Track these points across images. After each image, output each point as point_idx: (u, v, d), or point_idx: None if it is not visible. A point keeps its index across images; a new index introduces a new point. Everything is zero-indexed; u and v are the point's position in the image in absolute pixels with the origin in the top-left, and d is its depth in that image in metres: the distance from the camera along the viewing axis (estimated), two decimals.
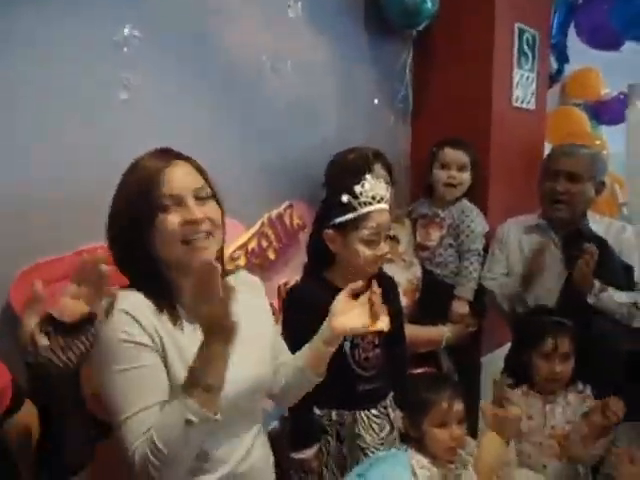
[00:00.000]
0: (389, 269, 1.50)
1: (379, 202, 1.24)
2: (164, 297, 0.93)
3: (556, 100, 3.09)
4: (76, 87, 1.23)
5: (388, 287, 1.40)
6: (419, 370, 1.43)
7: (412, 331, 1.62)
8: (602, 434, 1.37)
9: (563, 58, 2.72)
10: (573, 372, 1.53)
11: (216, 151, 1.42)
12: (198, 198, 0.92)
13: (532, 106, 2.29)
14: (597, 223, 1.87)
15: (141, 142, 0.99)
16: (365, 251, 1.25)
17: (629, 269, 1.77)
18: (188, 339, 0.91)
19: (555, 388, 1.53)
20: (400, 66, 2.17)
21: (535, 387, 1.54)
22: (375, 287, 1.09)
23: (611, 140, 3.49)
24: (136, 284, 0.94)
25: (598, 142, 2.50)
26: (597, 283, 1.69)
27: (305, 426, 1.20)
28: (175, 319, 0.92)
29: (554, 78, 2.68)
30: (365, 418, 1.28)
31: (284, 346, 1.14)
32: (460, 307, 1.82)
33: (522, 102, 2.21)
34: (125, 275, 0.96)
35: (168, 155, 0.94)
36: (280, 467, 1.22)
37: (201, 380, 0.81)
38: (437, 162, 1.91)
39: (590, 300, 1.69)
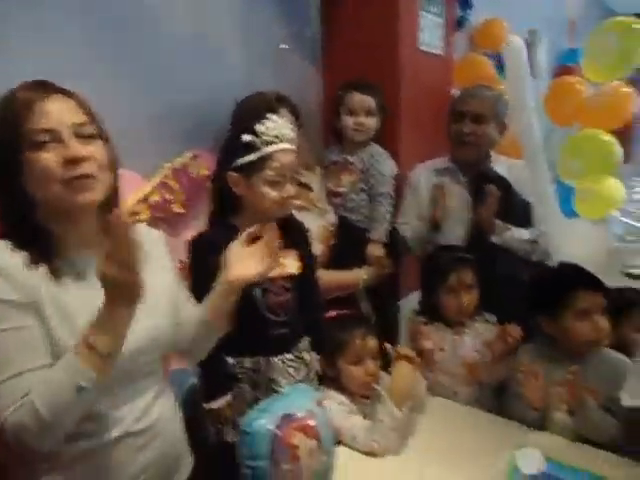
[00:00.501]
0: (303, 217, 1.47)
1: (283, 141, 1.19)
2: (41, 249, 0.84)
3: (463, 48, 3.14)
4: None
5: (298, 232, 1.38)
6: (332, 313, 1.44)
7: (329, 276, 1.62)
8: (504, 357, 1.47)
9: (466, 4, 2.73)
10: (478, 303, 1.60)
11: (104, 93, 1.27)
12: (79, 136, 0.83)
13: (440, 51, 2.30)
14: (500, 164, 1.95)
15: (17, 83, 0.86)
16: (270, 193, 1.20)
17: (528, 206, 1.88)
18: (72, 296, 0.84)
19: (463, 319, 1.60)
20: (308, 7, 2.08)
21: (445, 321, 1.61)
22: (271, 233, 1.06)
23: None
24: (10, 234, 0.84)
25: (502, 87, 2.56)
26: (500, 223, 1.78)
27: (216, 375, 1.17)
28: (56, 274, 0.84)
29: (459, 24, 2.69)
30: (280, 363, 1.26)
31: (189, 299, 1.08)
32: (375, 249, 1.84)
33: (429, 46, 2.20)
34: (1, 224, 0.85)
35: (45, 87, 0.84)
36: (197, 421, 1.19)
37: (97, 343, 0.76)
38: (344, 106, 1.88)
39: (494, 240, 1.78)
